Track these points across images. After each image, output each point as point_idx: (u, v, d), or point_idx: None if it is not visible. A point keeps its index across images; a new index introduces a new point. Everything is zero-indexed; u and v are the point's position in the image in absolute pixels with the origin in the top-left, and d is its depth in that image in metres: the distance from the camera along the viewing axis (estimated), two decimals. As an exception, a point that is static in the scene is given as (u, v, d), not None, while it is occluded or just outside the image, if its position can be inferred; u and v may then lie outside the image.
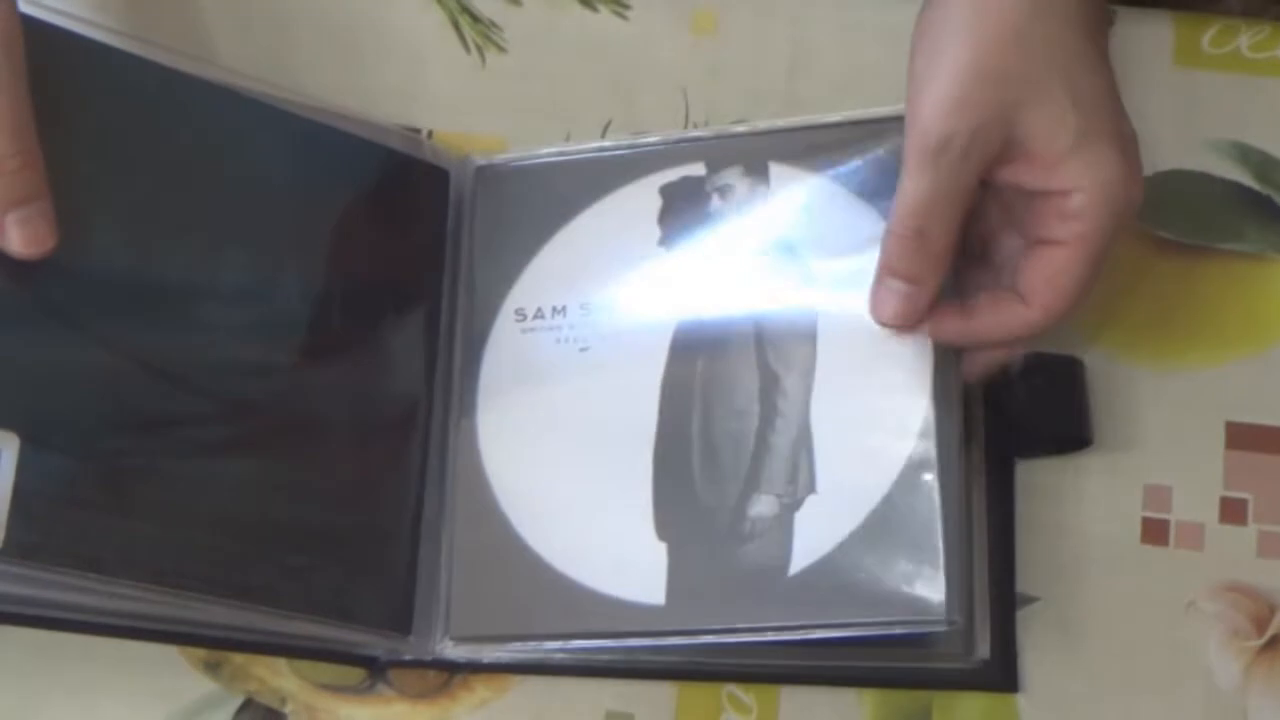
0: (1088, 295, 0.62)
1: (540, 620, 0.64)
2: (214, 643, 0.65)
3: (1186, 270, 0.70)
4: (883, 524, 0.61)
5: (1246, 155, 0.71)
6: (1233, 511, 0.67)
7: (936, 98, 0.60)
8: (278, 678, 0.66)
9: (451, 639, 0.65)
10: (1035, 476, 0.67)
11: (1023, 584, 0.66)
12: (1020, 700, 0.65)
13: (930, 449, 0.62)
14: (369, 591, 0.64)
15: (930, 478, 0.61)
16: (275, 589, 0.62)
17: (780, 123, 0.69)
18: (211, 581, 0.61)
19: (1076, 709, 0.65)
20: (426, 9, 0.75)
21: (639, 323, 0.67)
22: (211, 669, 0.66)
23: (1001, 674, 0.65)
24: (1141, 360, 0.69)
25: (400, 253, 0.69)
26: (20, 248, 0.60)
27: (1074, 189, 0.60)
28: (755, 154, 0.68)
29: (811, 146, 0.67)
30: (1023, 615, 0.66)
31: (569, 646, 0.64)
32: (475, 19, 0.75)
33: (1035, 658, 0.65)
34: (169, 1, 0.74)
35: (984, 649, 0.63)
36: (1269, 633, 0.66)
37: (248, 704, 0.66)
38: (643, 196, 0.68)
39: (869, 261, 0.63)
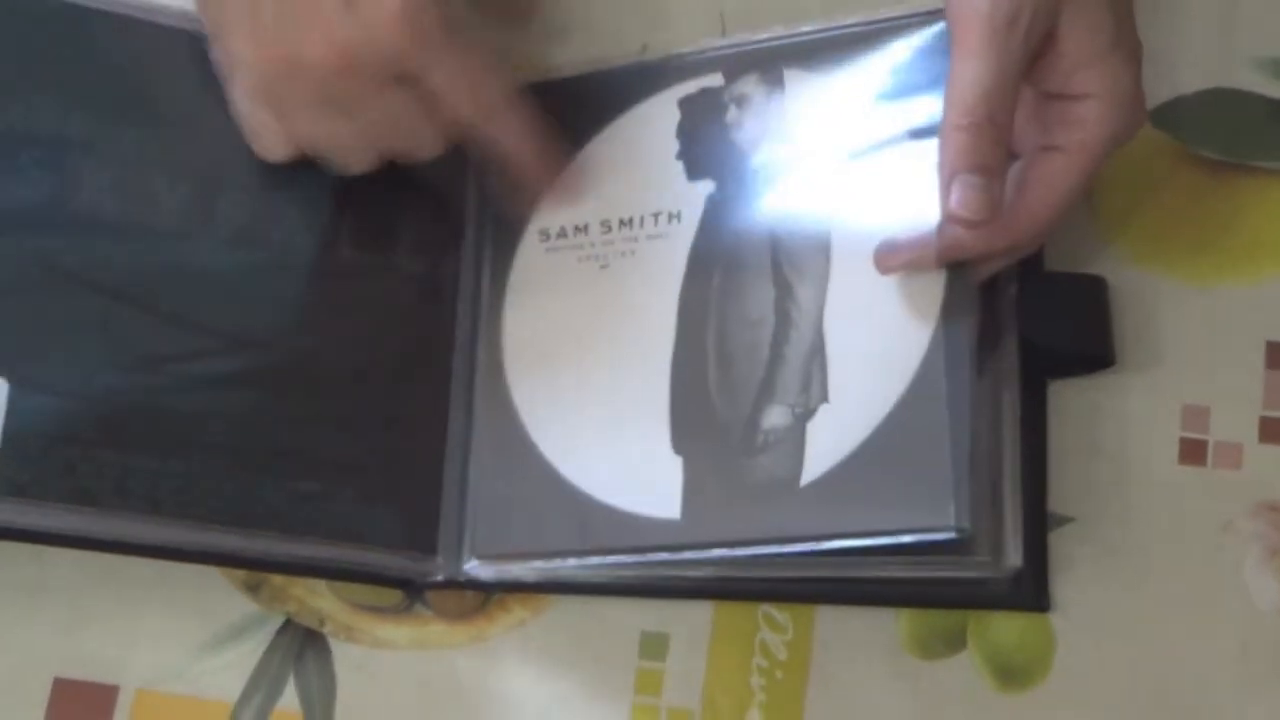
0: (1073, 208, 0.61)
1: (559, 536, 0.64)
2: (249, 564, 0.66)
3: (1227, 188, 0.70)
4: (893, 433, 0.61)
5: (1288, 72, 0.70)
6: (1272, 431, 0.66)
7: None
8: (316, 598, 0.67)
9: (475, 556, 0.65)
10: (1071, 397, 0.67)
11: (1058, 504, 0.66)
12: (1054, 620, 0.65)
13: (940, 358, 0.61)
14: (386, 513, 0.65)
15: (940, 386, 0.61)
16: (283, 516, 0.63)
17: (799, 27, 0.68)
18: (213, 511, 0.62)
19: (1112, 629, 0.65)
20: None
21: (657, 239, 0.67)
22: (251, 589, 0.67)
23: (1035, 593, 0.65)
24: (1180, 279, 0.68)
25: (419, 179, 0.69)
26: None
27: (1089, 95, 0.60)
28: (771, 61, 0.67)
29: (827, 50, 0.66)
30: (1057, 535, 0.66)
31: (587, 563, 0.64)
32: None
33: (1070, 578, 0.65)
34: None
35: (1015, 558, 0.63)
36: (1307, 552, 0.65)
37: (287, 624, 0.67)
38: (662, 110, 0.68)
39: (884, 167, 0.62)
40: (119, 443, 0.62)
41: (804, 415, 0.63)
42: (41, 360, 0.62)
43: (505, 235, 0.69)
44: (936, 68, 0.63)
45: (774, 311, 0.64)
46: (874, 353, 0.62)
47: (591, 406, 0.65)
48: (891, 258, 0.62)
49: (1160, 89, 0.70)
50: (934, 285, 0.62)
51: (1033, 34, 0.59)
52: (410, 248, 0.68)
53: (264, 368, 0.65)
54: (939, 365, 0.61)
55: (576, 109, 0.69)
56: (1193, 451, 0.66)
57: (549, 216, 0.68)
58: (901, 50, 0.65)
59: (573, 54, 0.72)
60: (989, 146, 0.59)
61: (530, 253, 0.68)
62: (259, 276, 0.66)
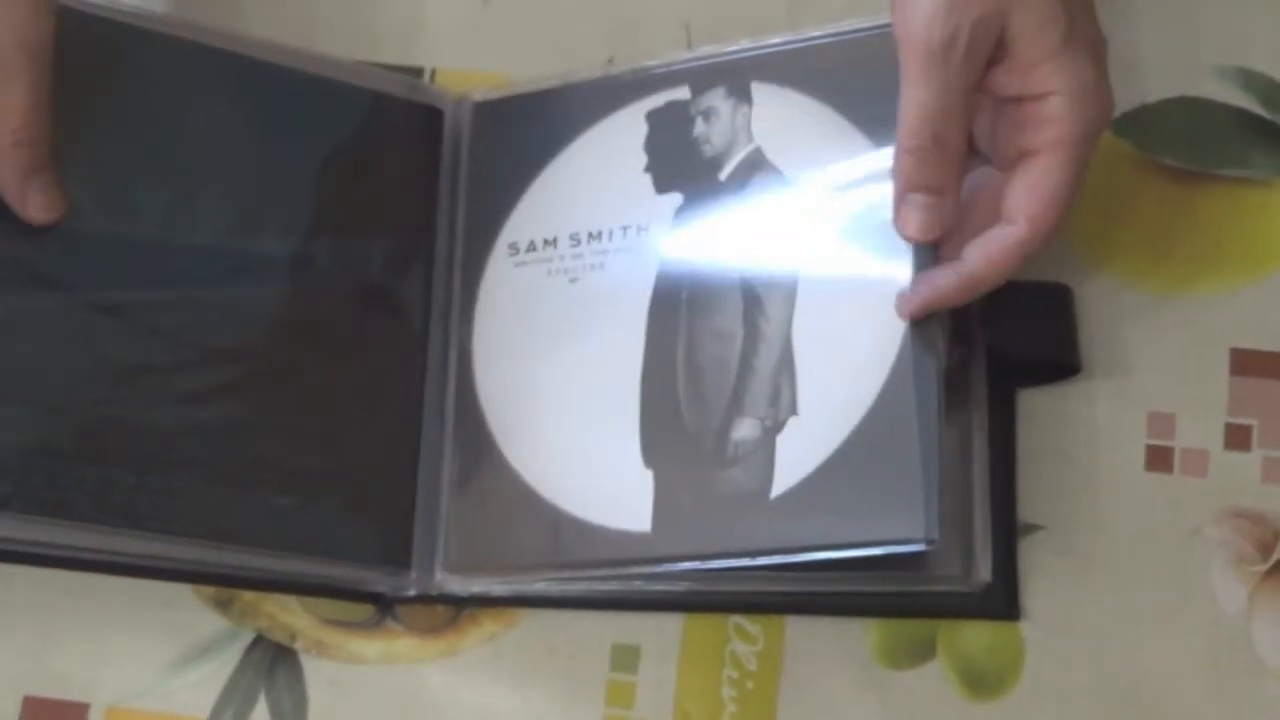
0: (1070, 207, 0.61)
1: (531, 551, 0.65)
2: (220, 580, 0.66)
3: (1191, 197, 0.70)
4: (862, 445, 0.61)
5: (1251, 81, 0.71)
6: (1237, 438, 0.67)
7: None
8: (287, 614, 0.67)
9: (447, 570, 0.65)
10: (1039, 405, 0.67)
11: (1027, 513, 0.66)
12: (1024, 628, 0.65)
13: (908, 370, 0.61)
14: (362, 528, 0.65)
15: (909, 398, 0.61)
16: (260, 530, 0.63)
17: (765, 40, 0.68)
18: (192, 524, 0.62)
19: (1081, 637, 0.65)
20: (428, -53, 0.75)
21: (625, 252, 0.67)
22: (222, 605, 0.67)
23: (1005, 601, 0.65)
24: (1146, 287, 0.69)
25: (390, 194, 0.69)
26: (39, 214, 0.63)
27: (1051, 92, 0.60)
28: (738, 74, 0.67)
29: (794, 63, 0.67)
30: (1027, 544, 0.66)
31: (560, 577, 0.65)
32: (477, -44, 0.75)
33: (1040, 586, 0.66)
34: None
35: (985, 573, 0.63)
36: (1274, 557, 0.65)
37: (258, 640, 0.67)
38: (630, 123, 0.68)
39: (849, 178, 0.63)
40: (99, 456, 0.62)
41: (773, 428, 0.63)
42: (22, 372, 0.62)
43: (474, 249, 0.69)
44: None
45: (742, 324, 0.64)
46: (842, 365, 0.63)
47: (562, 420, 0.66)
48: (911, 300, 0.62)
49: (1124, 98, 0.70)
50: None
51: (975, 50, 0.60)
52: (384, 261, 0.68)
53: (240, 381, 0.65)
54: (907, 377, 0.61)
55: (545, 123, 0.69)
56: (1159, 459, 0.67)
57: (518, 230, 0.68)
58: (867, 62, 0.65)
59: (542, 67, 0.72)
60: (936, 167, 0.60)
61: (499, 267, 0.68)
62: (236, 290, 0.66)
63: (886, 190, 0.62)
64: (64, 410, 0.62)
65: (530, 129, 0.69)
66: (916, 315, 0.61)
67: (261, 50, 0.68)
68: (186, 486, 0.63)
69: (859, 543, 0.60)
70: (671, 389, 0.64)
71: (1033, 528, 0.66)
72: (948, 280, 0.61)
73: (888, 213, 0.62)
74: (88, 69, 0.65)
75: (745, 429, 0.63)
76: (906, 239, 0.61)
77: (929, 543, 0.60)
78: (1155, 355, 0.68)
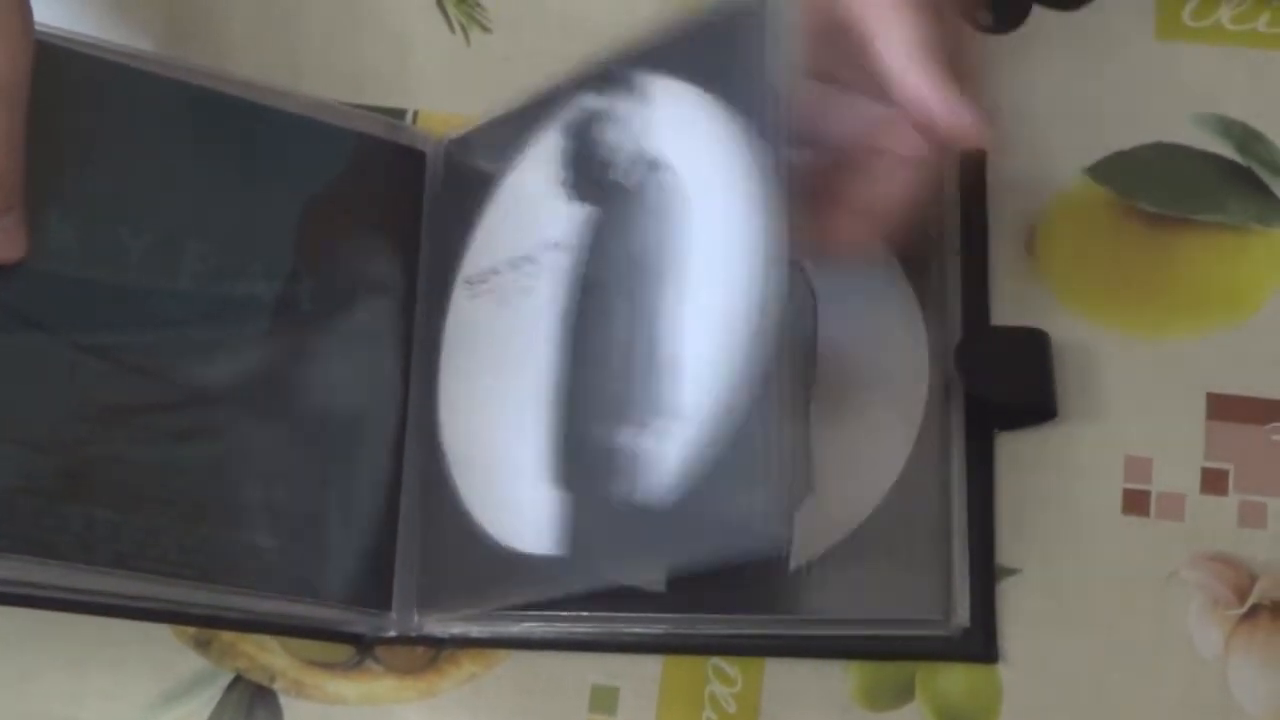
0: (938, 56, 0.60)
1: (481, 588, 0.64)
2: (199, 621, 0.66)
3: (1168, 242, 0.70)
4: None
5: (1228, 128, 0.71)
6: (1214, 482, 0.67)
7: None
8: (266, 654, 0.67)
9: (427, 613, 0.65)
10: (1017, 448, 0.68)
11: (1005, 556, 0.67)
12: (1002, 670, 0.65)
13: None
14: (342, 569, 0.65)
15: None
16: (243, 570, 0.63)
17: (651, 32, 0.65)
18: (176, 564, 0.62)
19: (1059, 679, 0.65)
20: (411, -11, 0.75)
21: (550, 271, 0.66)
22: (201, 645, 0.67)
23: (983, 644, 0.65)
24: (1122, 331, 0.69)
25: (373, 236, 0.69)
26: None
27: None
28: (642, 72, 0.65)
29: (681, 52, 0.64)
30: (1005, 586, 0.66)
31: (567, 626, 0.65)
32: (460, -1, 0.75)
33: (1018, 629, 0.66)
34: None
35: (963, 616, 0.64)
36: (1250, 601, 0.66)
37: (237, 680, 0.66)
38: (552, 139, 0.68)
39: (728, 167, 0.60)
40: (82, 495, 0.62)
41: (790, 504, 0.62)
42: (4, 411, 0.61)
43: (438, 286, 0.69)
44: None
45: (631, 330, 0.62)
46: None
47: (498, 450, 0.65)
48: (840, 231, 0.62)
49: (1100, 144, 0.71)
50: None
51: None
52: (367, 303, 0.69)
53: (222, 421, 0.65)
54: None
55: (494, 152, 0.69)
56: (1136, 502, 0.67)
57: (473, 263, 0.68)
58: (735, 41, 0.62)
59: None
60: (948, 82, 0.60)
61: (459, 301, 0.68)
62: (219, 330, 0.66)
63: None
64: (47, 449, 0.62)
65: (482, 161, 0.69)
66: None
67: (246, 90, 0.69)
68: (169, 526, 0.63)
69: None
70: (572, 402, 0.63)
71: (1011, 570, 0.66)
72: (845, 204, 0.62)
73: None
74: (72, 105, 0.65)
75: (627, 437, 0.61)
76: (975, 143, 0.61)
77: (775, 544, 0.58)
78: (1132, 399, 0.68)
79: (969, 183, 0.70)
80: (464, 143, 0.71)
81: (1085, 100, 0.72)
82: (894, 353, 0.66)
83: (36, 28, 0.62)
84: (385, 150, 0.71)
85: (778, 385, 0.58)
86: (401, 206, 0.70)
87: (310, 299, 0.68)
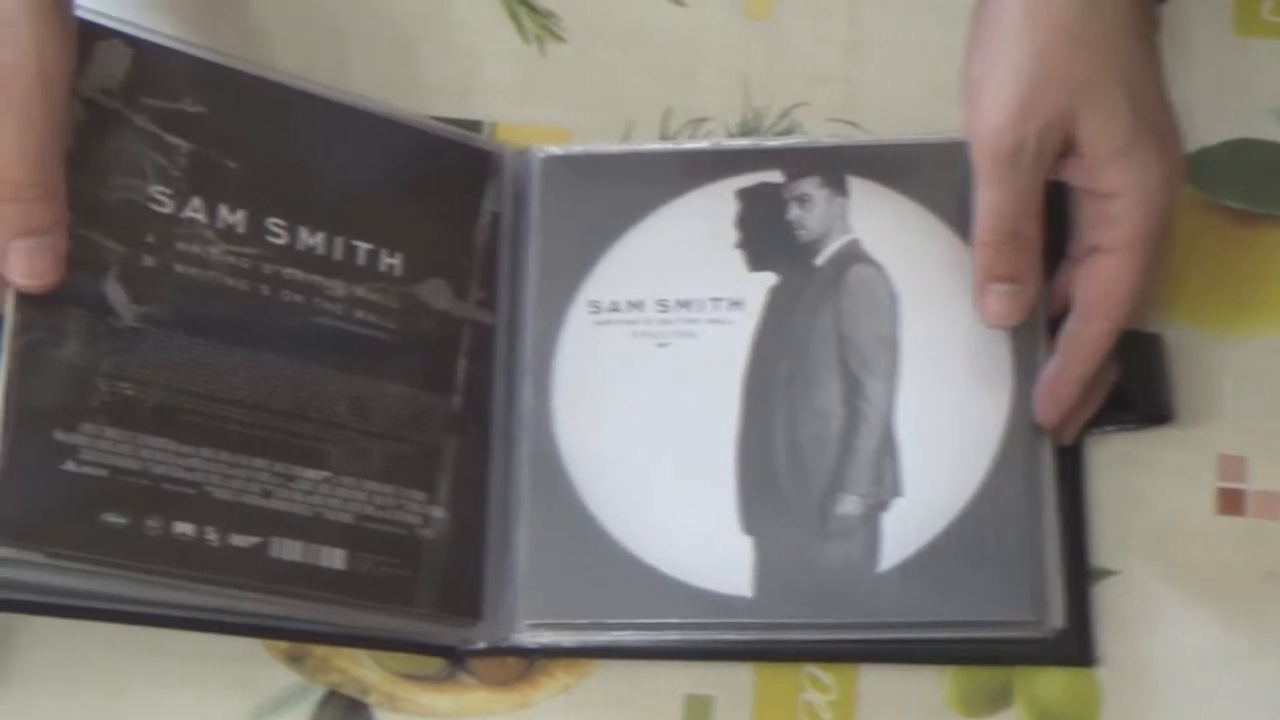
0: (1143, 296, 0.63)
1: (624, 607, 0.65)
2: (293, 635, 0.65)
3: (1253, 239, 0.70)
4: (972, 526, 0.64)
5: (1309, 122, 0.71)
6: (1309, 480, 0.67)
7: (999, 105, 0.62)
8: (359, 669, 0.67)
9: (529, 624, 0.65)
10: (1108, 449, 0.67)
11: (1100, 558, 0.66)
12: (1101, 674, 0.65)
13: (1015, 452, 0.64)
14: (435, 581, 0.65)
15: (1016, 480, 0.64)
16: (337, 584, 0.63)
17: (859, 138, 0.71)
18: (269, 578, 0.62)
19: (1158, 682, 0.65)
20: (486, 2, 0.75)
21: (718, 324, 0.68)
22: (294, 661, 0.67)
23: (1079, 647, 0.65)
24: (1211, 330, 0.69)
25: (456, 242, 0.69)
26: (21, 278, 0.60)
27: (1116, 193, 0.62)
28: (833, 166, 0.69)
29: (890, 163, 0.69)
30: (1100, 588, 0.66)
31: (660, 635, 0.65)
32: (533, 9, 0.75)
33: (1114, 631, 0.65)
34: (228, 7, 0.75)
35: (1058, 619, 0.64)
36: (1350, 599, 0.65)
37: (330, 695, 0.66)
38: (719, 199, 0.70)
39: (946, 276, 0.66)
40: (178, 507, 0.61)
41: (876, 506, 0.65)
42: (95, 423, 0.61)
43: (551, 304, 0.69)
44: None
45: (843, 405, 0.66)
46: (948, 448, 0.65)
47: (652, 480, 0.67)
48: (1046, 415, 0.65)
49: (1184, 142, 0.70)
50: (1002, 382, 0.65)
51: (1042, 154, 0.62)
52: (449, 306, 0.68)
53: (316, 433, 0.65)
54: (1015, 458, 0.65)
55: (628, 187, 0.70)
56: (1231, 501, 0.67)
57: (599, 289, 0.69)
58: (957, 167, 0.66)
59: (599, 117, 0.73)
60: (1013, 257, 0.63)
61: (579, 323, 0.69)
62: (310, 341, 0.65)
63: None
64: (141, 460, 0.61)
65: (610, 191, 0.70)
66: (1055, 420, 0.65)
67: (333, 93, 0.69)
68: (262, 539, 0.63)
69: (969, 622, 0.64)
70: (770, 461, 0.66)
71: (1106, 572, 0.66)
72: (1068, 385, 0.64)
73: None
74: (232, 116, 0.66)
75: (848, 505, 0.65)
76: (989, 325, 0.65)
77: (1043, 628, 0.63)
78: (1223, 398, 0.68)
79: (1054, 184, 0.69)
80: (572, 164, 0.71)
81: (1183, 93, 0.71)
82: (979, 352, 0.66)
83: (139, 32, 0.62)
84: (466, 154, 0.70)
85: (1013, 474, 0.65)
86: (481, 212, 0.70)
87: (400, 304, 0.67)
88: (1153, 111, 0.63)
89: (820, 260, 0.68)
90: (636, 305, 0.69)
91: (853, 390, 0.67)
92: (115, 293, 0.62)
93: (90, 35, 0.63)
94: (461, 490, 0.67)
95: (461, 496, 0.66)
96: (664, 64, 0.74)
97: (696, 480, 0.66)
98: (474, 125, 0.73)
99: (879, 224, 0.69)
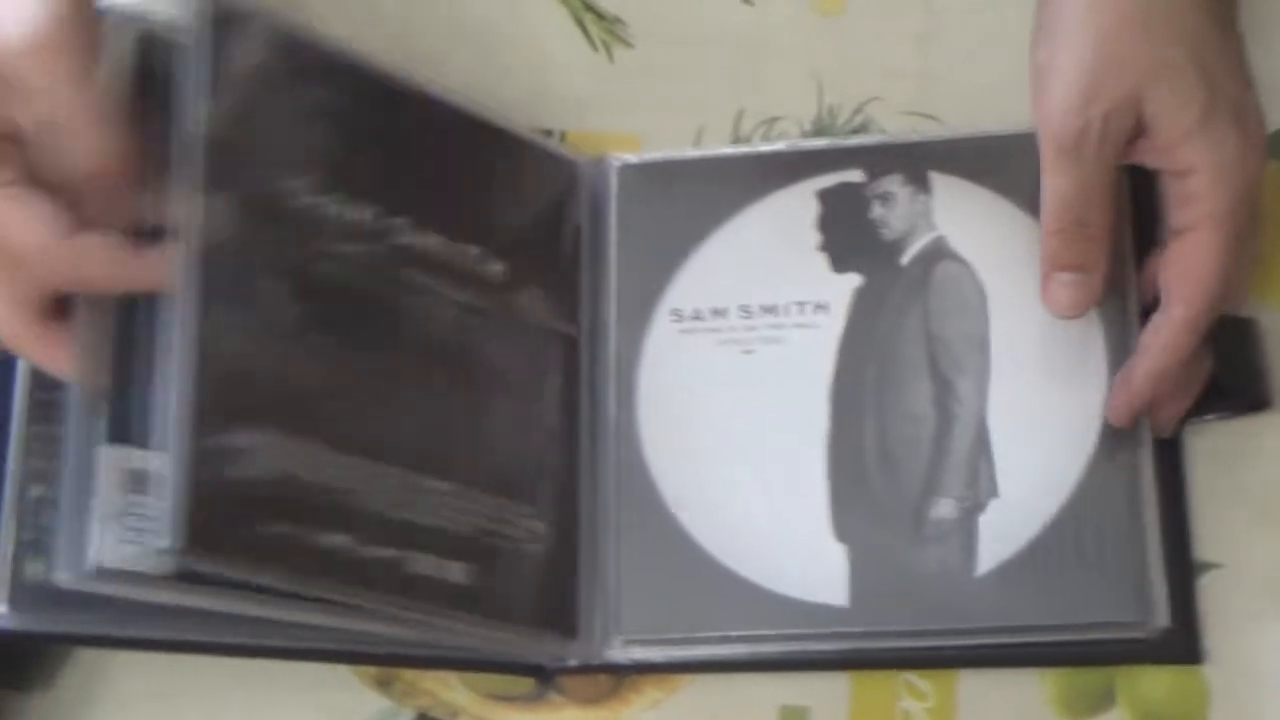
0: (1228, 277, 0.61)
1: (719, 620, 0.64)
2: (382, 660, 0.65)
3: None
4: (1071, 525, 0.62)
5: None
6: None
7: (1064, 92, 0.61)
8: (449, 691, 0.66)
9: (624, 640, 0.64)
10: (1207, 439, 0.65)
11: (1204, 551, 0.64)
12: (1208, 671, 0.63)
13: (1112, 447, 0.63)
14: (535, 596, 0.64)
15: (1115, 475, 0.63)
16: (435, 598, 0.62)
17: (939, 133, 0.70)
18: (406, 593, 0.61)
19: (1268, 678, 0.63)
20: (550, 9, 0.74)
21: (804, 328, 0.67)
22: (383, 685, 0.66)
23: (1184, 644, 0.63)
24: (1311, 312, 0.67)
25: (549, 251, 0.68)
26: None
27: (1192, 169, 0.60)
28: (914, 163, 0.68)
29: (972, 157, 0.68)
30: (1205, 583, 0.64)
31: (754, 647, 0.64)
32: (600, 15, 0.74)
33: (1222, 627, 0.63)
34: (294, 6, 0.74)
35: (1162, 616, 0.62)
36: None
37: (420, 719, 0.66)
38: (799, 201, 0.69)
39: (1035, 270, 0.64)
40: (318, 518, 0.59)
41: (973, 508, 0.63)
42: (256, 426, 0.59)
43: (633, 313, 0.68)
44: None
45: (934, 407, 0.65)
46: (1043, 447, 0.64)
47: (742, 489, 0.65)
48: (1118, 411, 0.64)
49: (1272, 117, 0.68)
50: (1097, 379, 0.64)
51: (1109, 139, 0.61)
52: (542, 316, 0.68)
53: (433, 442, 0.63)
54: (1112, 455, 0.63)
55: (705, 192, 0.69)
56: (1338, 488, 0.65)
57: (682, 298, 0.68)
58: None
59: (672, 122, 0.72)
60: (1080, 246, 0.62)
61: (662, 332, 0.68)
62: (422, 341, 0.64)
63: None
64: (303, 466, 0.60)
65: (688, 197, 0.69)
66: (1126, 422, 0.63)
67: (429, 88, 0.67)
68: (399, 552, 0.61)
69: (1071, 625, 0.62)
70: (861, 466, 0.65)
71: (1211, 565, 0.64)
72: (1139, 381, 0.62)
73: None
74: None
75: (943, 509, 0.64)
76: (1056, 316, 0.64)
77: (1148, 628, 0.61)
78: (1324, 382, 0.66)
79: (1137, 168, 0.68)
80: (648, 171, 0.70)
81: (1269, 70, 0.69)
82: (1071, 347, 0.65)
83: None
84: (547, 160, 0.70)
85: (1111, 470, 0.63)
86: (562, 219, 0.69)
87: (501, 312, 0.66)
88: (1229, 89, 0.61)
89: (905, 259, 0.67)
90: (720, 313, 0.68)
91: (943, 391, 0.65)
92: (272, 290, 0.61)
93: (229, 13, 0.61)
94: (559, 504, 0.66)
95: (560, 510, 0.66)
96: (734, 65, 0.73)
97: (787, 488, 0.65)
98: (544, 135, 0.72)
99: (964, 220, 0.67)
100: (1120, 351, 0.64)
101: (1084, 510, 0.63)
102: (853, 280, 0.67)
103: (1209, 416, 0.65)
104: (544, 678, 0.66)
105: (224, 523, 0.57)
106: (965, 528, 0.63)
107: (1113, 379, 0.64)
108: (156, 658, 0.64)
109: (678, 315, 0.68)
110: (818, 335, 0.67)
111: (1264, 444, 0.65)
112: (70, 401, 0.58)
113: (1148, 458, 0.64)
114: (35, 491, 0.60)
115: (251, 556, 0.58)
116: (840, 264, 0.68)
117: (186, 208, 0.58)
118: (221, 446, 0.57)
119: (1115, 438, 0.63)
